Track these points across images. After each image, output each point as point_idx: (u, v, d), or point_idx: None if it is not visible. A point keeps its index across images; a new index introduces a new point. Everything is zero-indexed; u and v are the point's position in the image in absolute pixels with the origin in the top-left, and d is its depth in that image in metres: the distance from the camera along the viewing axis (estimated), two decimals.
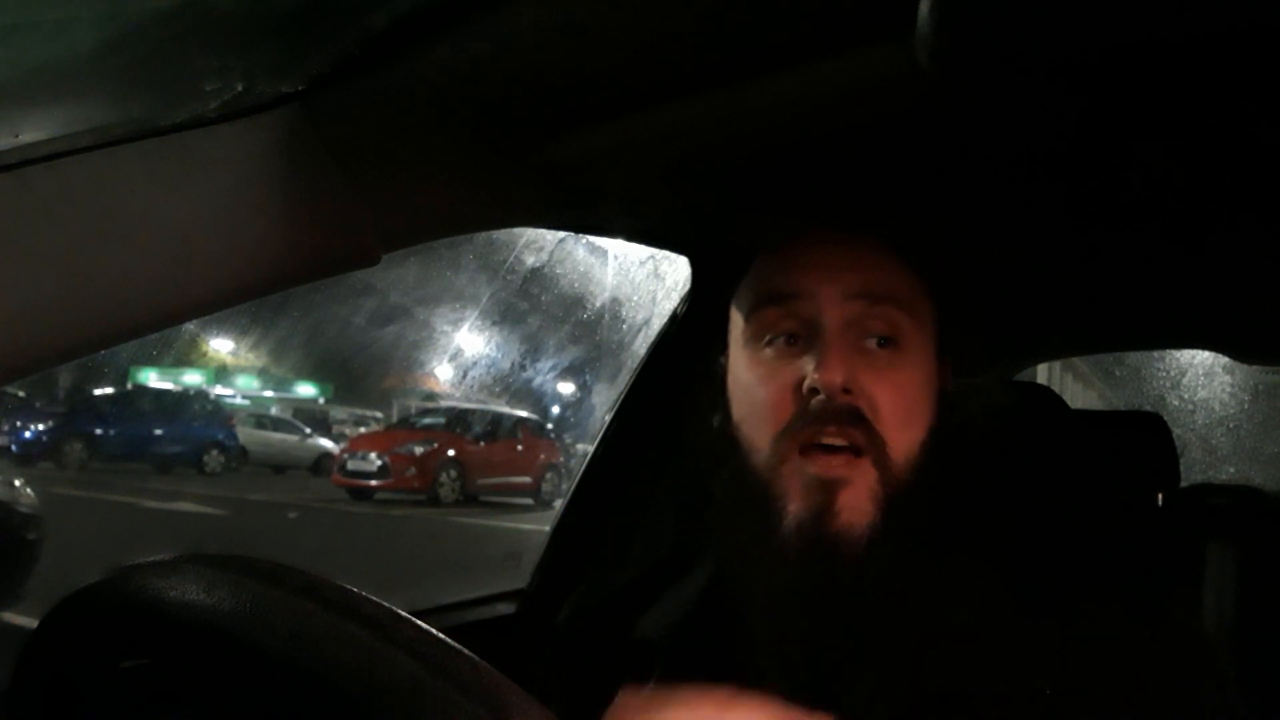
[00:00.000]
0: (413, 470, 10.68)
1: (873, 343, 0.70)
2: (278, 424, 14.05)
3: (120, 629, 0.46)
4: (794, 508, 0.68)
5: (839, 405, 0.67)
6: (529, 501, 11.01)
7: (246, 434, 12.87)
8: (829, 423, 0.67)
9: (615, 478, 1.33)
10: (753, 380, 0.72)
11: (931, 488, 0.69)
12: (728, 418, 0.74)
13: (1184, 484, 1.30)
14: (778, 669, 0.65)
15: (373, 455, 10.81)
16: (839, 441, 0.67)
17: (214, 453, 11.82)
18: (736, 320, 0.76)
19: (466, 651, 0.41)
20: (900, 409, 0.69)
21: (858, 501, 0.67)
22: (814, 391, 0.67)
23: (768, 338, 0.72)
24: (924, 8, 0.46)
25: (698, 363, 0.79)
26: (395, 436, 11.73)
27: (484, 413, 11.92)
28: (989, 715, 0.62)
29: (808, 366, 0.68)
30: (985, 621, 0.66)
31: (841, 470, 0.67)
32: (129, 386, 12.91)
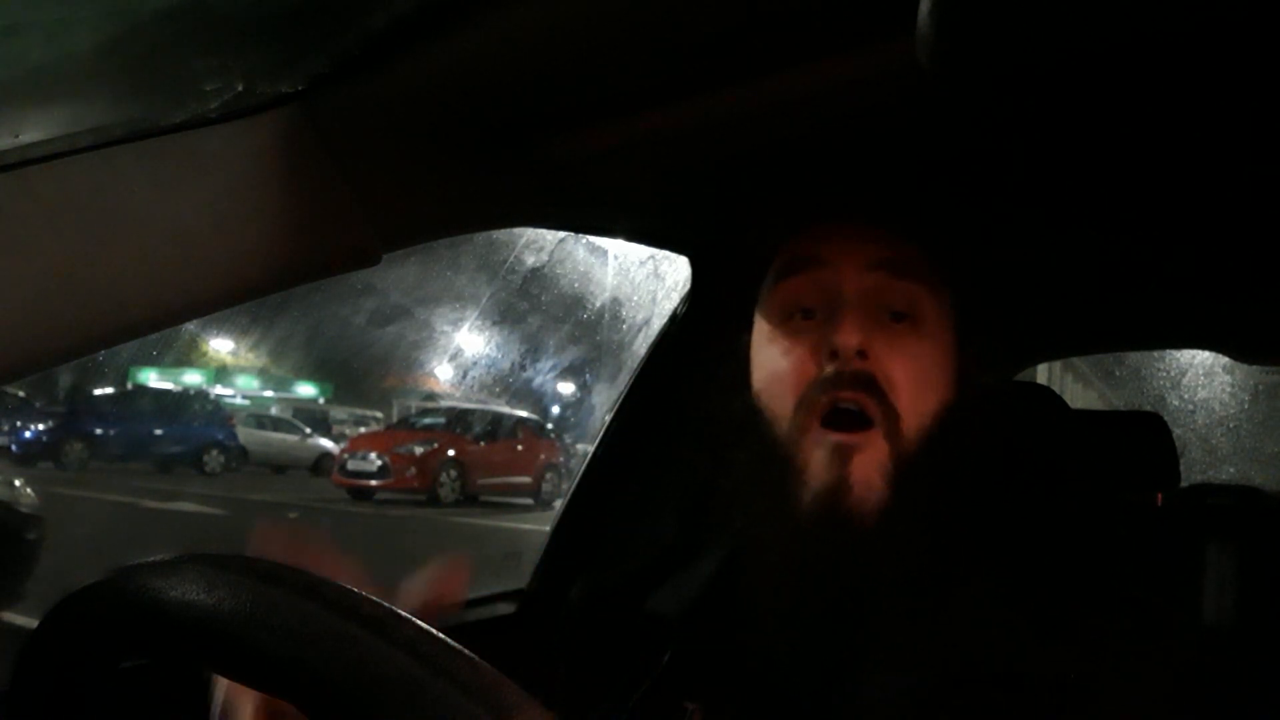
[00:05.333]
0: (413, 470, 10.69)
1: (891, 315, 0.71)
2: (278, 424, 14.05)
3: (120, 629, 0.46)
4: (812, 480, 0.68)
5: (854, 370, 0.68)
6: (529, 501, 11.02)
7: (246, 434, 12.88)
8: (844, 387, 0.68)
9: (615, 477, 1.33)
10: (775, 351, 0.73)
11: (941, 464, 0.69)
12: (749, 391, 0.75)
13: (1184, 484, 1.30)
14: (788, 644, 0.65)
15: (373, 455, 10.82)
16: (853, 405, 0.68)
17: (214, 453, 11.84)
18: (764, 295, 0.77)
19: (466, 651, 0.41)
20: (915, 380, 0.70)
21: (868, 473, 0.68)
22: (832, 356, 0.68)
23: (791, 311, 0.73)
24: (924, 8, 0.47)
25: (698, 362, 0.79)
26: (395, 436, 11.74)
27: (484, 413, 11.93)
28: (998, 703, 0.62)
29: (827, 333, 0.69)
30: (987, 615, 0.66)
31: (856, 438, 0.68)
32: (129, 386, 12.93)
